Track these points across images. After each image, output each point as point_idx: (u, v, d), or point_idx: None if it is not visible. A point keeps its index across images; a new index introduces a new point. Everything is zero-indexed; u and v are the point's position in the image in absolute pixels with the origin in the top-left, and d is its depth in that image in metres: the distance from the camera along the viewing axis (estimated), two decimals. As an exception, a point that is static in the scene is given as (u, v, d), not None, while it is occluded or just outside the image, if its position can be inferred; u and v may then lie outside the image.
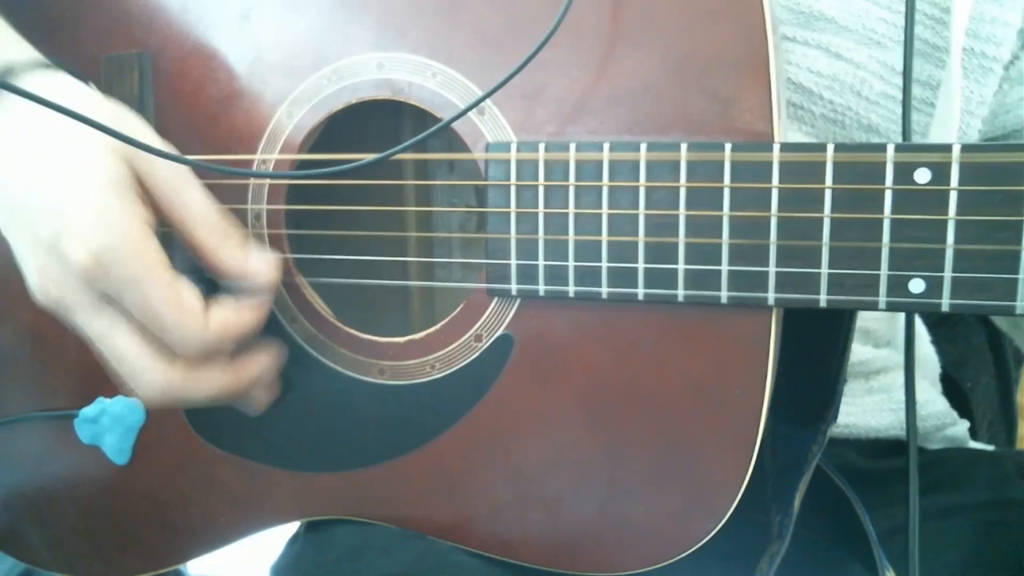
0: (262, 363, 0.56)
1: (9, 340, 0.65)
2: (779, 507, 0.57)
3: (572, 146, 0.50)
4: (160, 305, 0.49)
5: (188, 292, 0.50)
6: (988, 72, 0.63)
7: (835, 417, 0.57)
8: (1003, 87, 0.64)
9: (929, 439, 0.73)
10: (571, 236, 0.51)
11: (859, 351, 0.70)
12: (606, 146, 0.49)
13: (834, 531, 0.64)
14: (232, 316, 0.52)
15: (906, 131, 0.55)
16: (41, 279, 0.51)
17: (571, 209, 0.50)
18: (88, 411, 0.64)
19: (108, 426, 0.63)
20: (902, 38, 0.57)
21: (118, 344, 0.51)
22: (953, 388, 0.76)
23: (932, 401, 0.72)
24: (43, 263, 0.50)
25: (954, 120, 0.62)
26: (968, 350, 0.81)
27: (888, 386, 0.70)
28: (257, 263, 0.54)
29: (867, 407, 0.70)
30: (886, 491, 0.66)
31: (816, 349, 0.56)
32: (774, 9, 0.48)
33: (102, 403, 0.64)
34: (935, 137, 0.63)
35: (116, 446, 0.64)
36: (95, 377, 0.63)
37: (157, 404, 0.53)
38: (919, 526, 0.53)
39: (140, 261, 0.49)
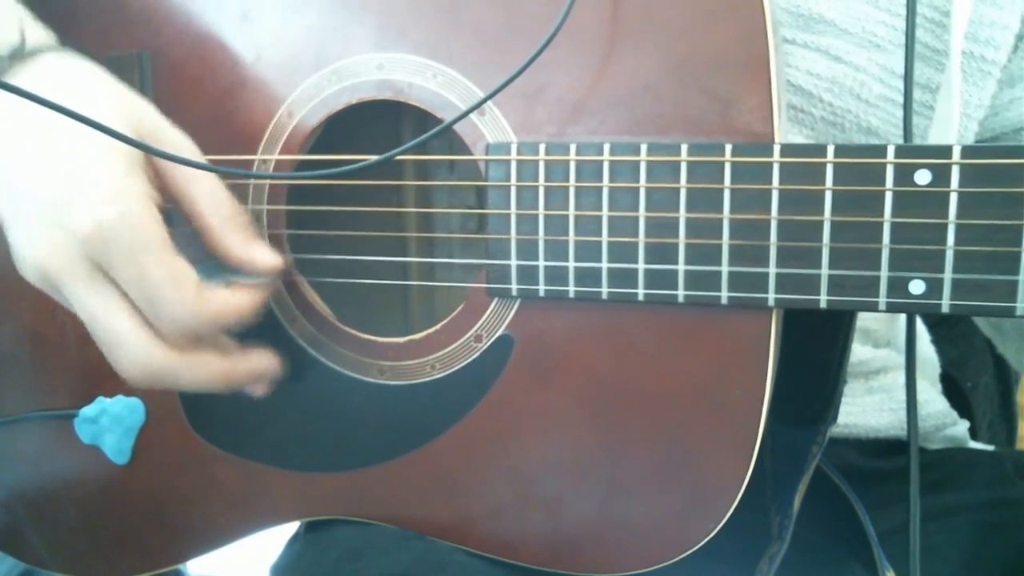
0: (261, 362, 0.56)
1: (9, 340, 0.65)
2: (779, 507, 0.57)
3: (572, 147, 0.50)
4: (157, 278, 0.49)
5: (186, 270, 0.50)
6: (987, 76, 0.63)
7: (835, 417, 0.57)
8: (994, 89, 0.64)
9: (929, 439, 0.73)
10: (571, 237, 0.51)
11: (859, 351, 0.70)
12: (606, 147, 0.49)
13: (834, 531, 0.64)
14: (229, 298, 0.52)
15: (907, 133, 0.55)
16: (38, 248, 0.50)
17: (571, 210, 0.50)
18: (88, 411, 0.64)
19: (108, 426, 0.64)
20: (902, 41, 0.57)
21: (110, 319, 0.50)
22: (953, 388, 0.77)
23: (932, 401, 0.73)
24: (43, 231, 0.50)
25: (953, 123, 0.62)
26: (968, 350, 0.81)
27: (888, 386, 0.71)
28: (261, 249, 0.54)
29: (867, 407, 0.70)
30: (886, 491, 0.66)
31: (816, 350, 0.56)
32: (774, 11, 0.48)
33: (102, 403, 0.64)
34: (934, 140, 0.63)
35: (116, 446, 0.64)
36: (95, 377, 0.64)
37: (146, 384, 0.52)
38: (919, 526, 0.53)
39: (142, 233, 0.48)
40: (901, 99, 0.57)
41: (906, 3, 0.55)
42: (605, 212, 0.50)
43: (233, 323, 0.52)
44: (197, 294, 0.50)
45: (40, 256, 0.50)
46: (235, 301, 0.52)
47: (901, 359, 0.64)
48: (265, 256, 0.54)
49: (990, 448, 0.75)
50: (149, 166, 0.52)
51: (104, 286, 0.50)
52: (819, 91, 0.62)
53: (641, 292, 0.50)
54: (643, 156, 0.48)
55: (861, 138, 0.63)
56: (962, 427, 0.74)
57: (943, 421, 0.72)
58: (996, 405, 0.83)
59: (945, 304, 0.46)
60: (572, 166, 0.50)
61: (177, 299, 0.49)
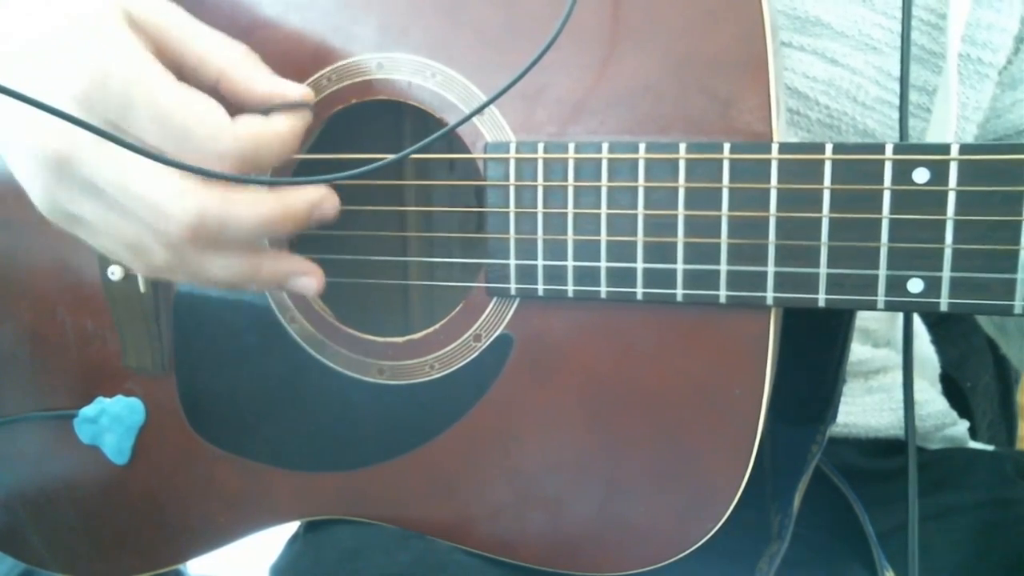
0: (313, 194, 0.49)
1: (9, 340, 0.65)
2: (779, 507, 0.57)
3: (571, 146, 0.50)
4: (178, 109, 0.43)
5: (205, 98, 0.45)
6: (984, 78, 0.63)
7: (834, 417, 0.57)
8: (995, 91, 0.64)
9: (929, 439, 0.73)
10: (570, 236, 0.51)
11: (859, 351, 0.70)
12: (605, 146, 0.49)
13: (834, 531, 0.64)
14: (263, 125, 0.46)
15: (903, 133, 0.55)
16: (39, 134, 0.45)
17: (570, 209, 0.50)
18: (87, 411, 0.64)
19: (108, 426, 0.63)
20: (899, 44, 0.57)
21: (138, 175, 0.44)
22: (953, 388, 0.77)
23: (932, 401, 0.73)
24: (38, 117, 0.42)
25: (950, 125, 0.62)
26: (968, 350, 0.81)
27: (888, 386, 0.71)
28: (286, 81, 0.49)
29: (867, 407, 0.70)
30: (885, 491, 0.66)
31: (815, 349, 0.56)
32: (773, 12, 0.48)
33: (102, 403, 0.64)
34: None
35: (116, 446, 0.64)
36: (95, 377, 0.64)
37: (197, 234, 0.45)
38: (919, 526, 0.53)
39: (143, 71, 0.44)
40: (897, 101, 0.57)
41: (901, 5, 0.55)
42: (604, 211, 0.50)
43: (277, 153, 0.47)
44: (226, 118, 0.45)
45: (44, 142, 0.44)
46: (271, 128, 0.47)
47: (900, 358, 0.64)
48: (293, 86, 0.49)
49: (990, 448, 0.76)
50: (143, 33, 0.46)
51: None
52: (815, 94, 0.62)
53: (640, 291, 0.50)
54: (641, 154, 0.49)
55: (857, 141, 0.63)
56: (962, 427, 0.74)
57: (943, 421, 0.72)
58: (996, 405, 0.83)
59: (943, 303, 0.46)
60: (571, 165, 0.50)
61: (205, 123, 0.44)
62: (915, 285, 0.46)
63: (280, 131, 0.47)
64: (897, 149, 0.45)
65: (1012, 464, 0.69)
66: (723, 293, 0.49)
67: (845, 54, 0.62)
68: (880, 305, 0.47)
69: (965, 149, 0.44)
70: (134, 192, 0.45)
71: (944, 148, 0.44)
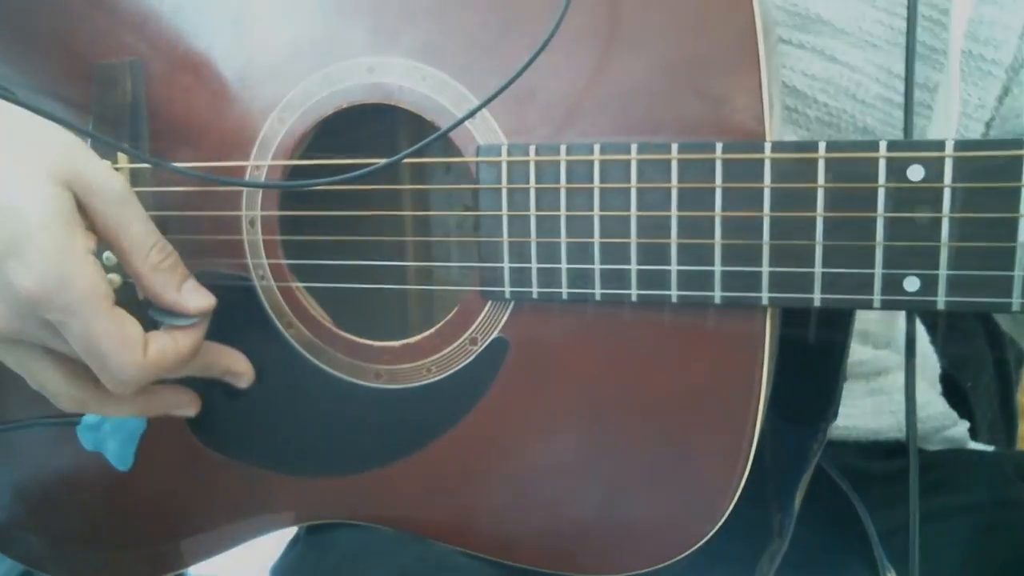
0: (167, 402, 0.60)
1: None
2: (779, 506, 0.57)
3: (562, 148, 0.50)
4: (102, 335, 0.49)
5: (130, 324, 0.51)
6: (987, 75, 0.63)
7: (835, 416, 0.57)
8: (1013, 91, 0.63)
9: (929, 440, 0.72)
10: (563, 238, 0.51)
11: (859, 352, 0.69)
12: (596, 147, 0.49)
13: (835, 531, 0.63)
14: (170, 345, 0.53)
15: (908, 131, 0.54)
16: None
17: (563, 211, 0.50)
18: (89, 418, 0.64)
19: (110, 432, 0.64)
20: (899, 40, 0.57)
21: (44, 376, 0.54)
22: (953, 388, 0.76)
23: (932, 402, 0.72)
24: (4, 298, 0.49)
25: (952, 123, 0.61)
26: (968, 350, 0.80)
27: (888, 387, 0.70)
28: (189, 294, 0.54)
29: (867, 409, 0.70)
30: (886, 492, 0.66)
31: (816, 347, 0.55)
32: (769, 10, 0.48)
33: (103, 409, 0.64)
34: (932, 140, 0.62)
35: (118, 452, 0.64)
36: (96, 383, 0.64)
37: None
38: (919, 527, 0.53)
39: (83, 290, 0.49)
40: (898, 99, 0.57)
41: (907, 2, 0.55)
42: (596, 213, 0.50)
43: (175, 368, 0.53)
44: (140, 347, 0.51)
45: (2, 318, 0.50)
46: (175, 349, 0.53)
47: (901, 360, 0.63)
48: (192, 299, 0.54)
49: (990, 449, 0.75)
50: (84, 216, 0.51)
51: (47, 342, 0.51)
52: (814, 92, 0.62)
53: (634, 293, 0.50)
54: (633, 155, 0.48)
55: (857, 139, 0.63)
56: (962, 428, 0.73)
57: (943, 422, 0.72)
58: (996, 405, 0.82)
59: (940, 301, 0.45)
60: (563, 167, 0.50)
61: (120, 353, 0.50)
62: (911, 284, 0.46)
63: (182, 353, 0.54)
64: (891, 147, 0.45)
65: (1012, 465, 0.68)
66: (718, 294, 0.49)
67: (844, 51, 0.61)
68: (876, 304, 0.46)
69: (960, 146, 0.44)
70: (34, 379, 0.55)
71: (939, 145, 0.44)
